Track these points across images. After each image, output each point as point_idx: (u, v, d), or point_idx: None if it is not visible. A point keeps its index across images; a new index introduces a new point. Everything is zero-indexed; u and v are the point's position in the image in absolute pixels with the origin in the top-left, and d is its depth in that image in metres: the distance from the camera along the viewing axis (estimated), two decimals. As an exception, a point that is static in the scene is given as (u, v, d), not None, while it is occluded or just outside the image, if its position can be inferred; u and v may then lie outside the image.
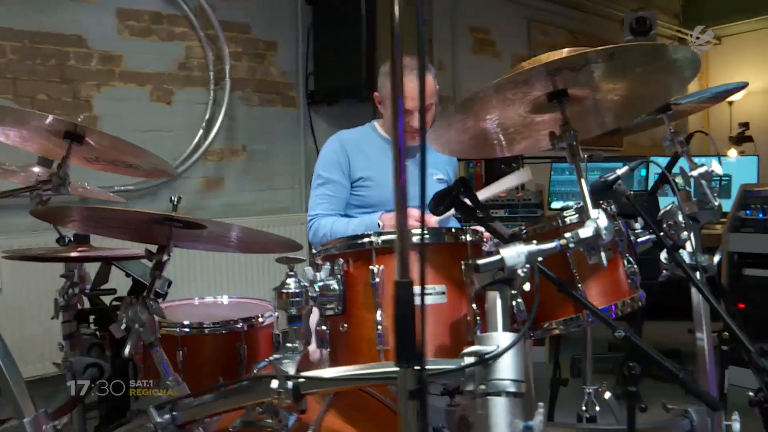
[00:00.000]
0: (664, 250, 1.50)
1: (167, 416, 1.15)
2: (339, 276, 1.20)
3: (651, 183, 3.99)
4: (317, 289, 1.17)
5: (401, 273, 0.72)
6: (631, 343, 1.12)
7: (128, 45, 3.41)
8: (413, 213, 2.19)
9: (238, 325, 1.71)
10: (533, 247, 1.03)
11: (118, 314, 1.26)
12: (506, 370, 0.99)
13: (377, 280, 1.17)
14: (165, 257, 1.34)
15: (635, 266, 1.35)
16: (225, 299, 1.97)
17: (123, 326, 1.24)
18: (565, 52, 1.10)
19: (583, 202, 1.10)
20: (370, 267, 1.18)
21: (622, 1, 6.37)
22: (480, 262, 1.04)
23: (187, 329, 1.67)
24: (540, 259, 1.04)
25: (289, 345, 1.13)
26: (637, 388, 1.15)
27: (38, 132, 1.48)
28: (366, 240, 1.20)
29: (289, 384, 1.05)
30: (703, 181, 1.46)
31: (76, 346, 1.94)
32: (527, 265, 1.01)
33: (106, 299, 2.26)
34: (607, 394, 1.92)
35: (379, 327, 1.16)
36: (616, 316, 1.32)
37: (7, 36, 3.05)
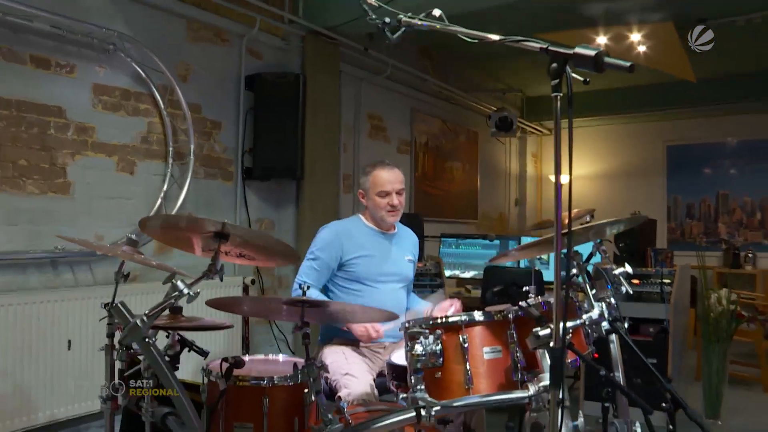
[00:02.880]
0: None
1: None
2: (439, 341, 1.86)
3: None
4: (428, 350, 1.82)
5: (555, 342, 1.43)
6: (608, 378, 1.92)
7: (100, 118, 3.71)
8: (373, 325, 2.82)
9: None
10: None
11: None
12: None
13: (466, 345, 1.85)
14: (308, 329, 1.91)
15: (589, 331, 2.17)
16: (281, 357, 2.47)
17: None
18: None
19: (587, 296, 1.89)
20: (460, 335, 1.86)
21: (483, 97, 7.76)
22: (536, 332, 1.77)
23: (272, 381, 2.14)
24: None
25: (418, 387, 1.75)
26: (611, 404, 1.95)
27: (192, 232, 1.95)
28: (458, 319, 1.88)
29: (433, 411, 1.68)
30: (622, 278, 2.35)
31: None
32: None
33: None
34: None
35: (468, 373, 1.83)
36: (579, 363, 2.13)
37: (-1, 104, 3.25)
